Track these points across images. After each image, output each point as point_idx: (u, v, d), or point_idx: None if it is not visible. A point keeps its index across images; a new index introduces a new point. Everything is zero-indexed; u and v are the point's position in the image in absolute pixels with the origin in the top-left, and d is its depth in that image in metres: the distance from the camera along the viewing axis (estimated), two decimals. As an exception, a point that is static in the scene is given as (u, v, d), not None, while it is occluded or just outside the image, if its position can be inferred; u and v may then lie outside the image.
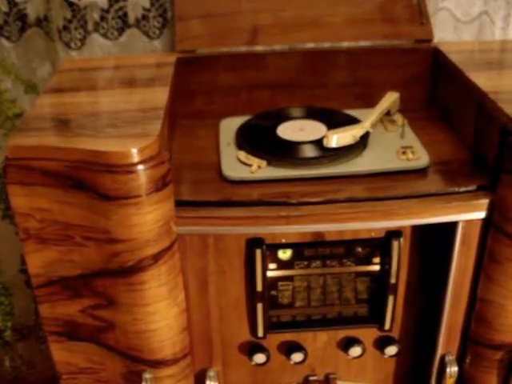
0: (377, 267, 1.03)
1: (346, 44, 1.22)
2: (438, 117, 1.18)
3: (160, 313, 0.94)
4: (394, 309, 1.04)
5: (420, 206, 0.93)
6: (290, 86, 1.21)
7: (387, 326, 1.06)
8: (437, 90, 1.21)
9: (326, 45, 1.22)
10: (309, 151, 1.02)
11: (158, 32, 1.35)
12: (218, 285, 1.01)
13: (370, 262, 1.03)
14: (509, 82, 1.03)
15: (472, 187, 0.95)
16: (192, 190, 0.99)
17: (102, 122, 0.93)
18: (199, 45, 1.22)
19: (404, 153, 1.01)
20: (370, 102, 1.14)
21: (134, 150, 0.83)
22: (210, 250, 0.97)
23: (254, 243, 0.98)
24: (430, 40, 1.23)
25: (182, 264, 0.95)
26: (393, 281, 1.01)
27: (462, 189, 0.95)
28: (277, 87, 1.21)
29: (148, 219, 0.87)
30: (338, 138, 1.01)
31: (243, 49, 1.22)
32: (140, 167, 0.83)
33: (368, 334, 1.09)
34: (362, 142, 1.03)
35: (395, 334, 1.09)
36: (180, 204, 0.93)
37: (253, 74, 1.21)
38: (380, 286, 1.04)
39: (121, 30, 1.35)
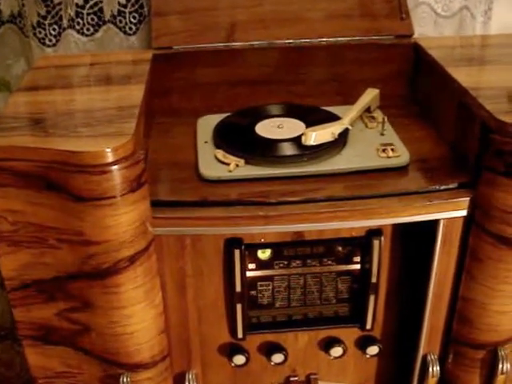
0: (357, 266, 1.02)
1: (325, 40, 1.21)
2: (418, 113, 1.17)
3: (137, 315, 0.92)
4: (375, 308, 1.03)
5: (400, 204, 0.92)
6: (269, 83, 1.20)
7: (368, 325, 1.05)
8: (417, 86, 1.20)
9: (305, 41, 1.21)
10: (287, 149, 1.01)
11: (134, 28, 1.33)
12: (196, 286, 0.99)
13: (350, 261, 1.02)
14: (489, 78, 1.02)
15: (453, 185, 0.94)
16: (169, 189, 0.97)
17: (75, 121, 0.91)
18: (176, 41, 1.20)
19: (384, 150, 1.00)
20: (349, 99, 1.13)
21: (108, 150, 0.81)
22: (188, 251, 0.95)
23: (232, 243, 0.97)
24: (410, 35, 1.22)
25: (158, 265, 0.93)
26: (374, 280, 1.00)
27: (443, 186, 0.94)
28: (256, 84, 1.20)
29: (123, 220, 0.85)
30: (316, 136, 1.00)
31: (221, 45, 1.20)
32: (114, 167, 0.81)
33: (349, 334, 1.08)
34: (342, 140, 1.02)
35: (376, 333, 1.08)
36: (156, 204, 0.91)
37: (231, 71, 1.19)
38: (361, 285, 1.03)
39: (97, 26, 1.33)
